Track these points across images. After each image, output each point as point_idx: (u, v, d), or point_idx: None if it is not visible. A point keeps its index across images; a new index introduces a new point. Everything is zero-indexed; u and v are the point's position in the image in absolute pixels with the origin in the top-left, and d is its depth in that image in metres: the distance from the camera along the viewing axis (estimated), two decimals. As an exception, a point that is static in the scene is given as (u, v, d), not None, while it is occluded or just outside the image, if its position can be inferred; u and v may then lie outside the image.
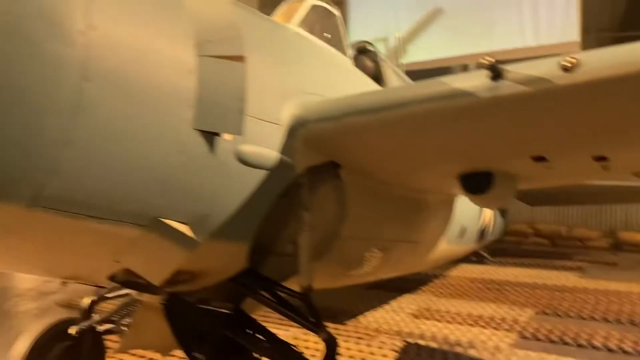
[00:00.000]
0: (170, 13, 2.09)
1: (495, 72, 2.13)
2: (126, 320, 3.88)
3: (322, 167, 2.82)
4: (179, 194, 2.11)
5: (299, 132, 2.58)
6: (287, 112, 2.56)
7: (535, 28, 12.42)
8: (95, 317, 3.77)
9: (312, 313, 2.75)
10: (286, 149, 2.55)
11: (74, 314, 3.74)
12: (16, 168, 1.68)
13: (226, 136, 2.23)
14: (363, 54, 4.76)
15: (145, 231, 2.08)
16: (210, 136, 2.14)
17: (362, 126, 2.49)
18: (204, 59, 2.11)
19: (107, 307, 3.98)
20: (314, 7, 3.73)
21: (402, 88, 2.70)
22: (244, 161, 2.33)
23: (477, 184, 3.03)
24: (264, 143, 2.45)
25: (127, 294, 3.97)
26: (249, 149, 2.35)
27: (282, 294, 2.83)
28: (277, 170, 2.49)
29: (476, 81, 2.19)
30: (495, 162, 2.94)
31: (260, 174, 2.43)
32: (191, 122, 2.06)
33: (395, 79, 4.99)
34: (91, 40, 1.74)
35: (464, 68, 12.52)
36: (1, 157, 1.64)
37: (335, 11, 4.00)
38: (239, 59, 2.22)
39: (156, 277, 2.25)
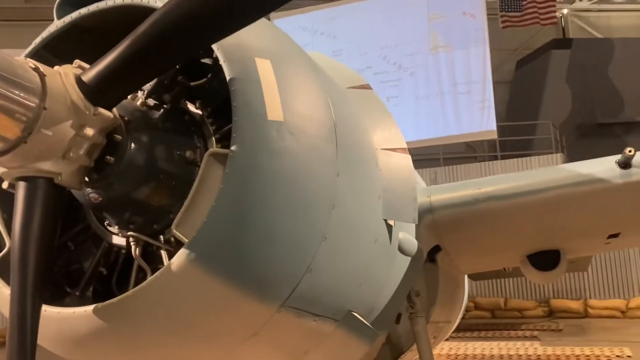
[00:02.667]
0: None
1: (627, 161, 2.44)
2: None
3: (431, 252, 2.92)
4: (368, 286, 2.11)
5: (425, 217, 2.69)
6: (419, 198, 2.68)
7: (457, 120, 13.68)
8: None
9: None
10: (417, 235, 2.64)
11: None
12: (279, 265, 1.62)
13: (392, 223, 2.29)
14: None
15: (337, 325, 2.03)
16: (389, 226, 2.19)
17: (491, 211, 2.66)
18: (382, 152, 2.21)
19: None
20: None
21: (529, 176, 2.94)
22: (401, 249, 2.38)
23: (545, 262, 3.28)
24: (408, 230, 2.52)
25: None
26: (403, 236, 2.41)
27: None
28: (417, 257, 2.55)
29: (606, 168, 2.48)
30: (570, 241, 3.22)
31: (407, 261, 2.48)
32: (381, 212, 2.11)
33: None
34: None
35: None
36: (267, 255, 1.59)
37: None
38: (404, 150, 2.34)
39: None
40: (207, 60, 1.84)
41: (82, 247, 2.02)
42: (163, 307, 1.61)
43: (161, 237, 1.80)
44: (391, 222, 2.28)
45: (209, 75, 1.79)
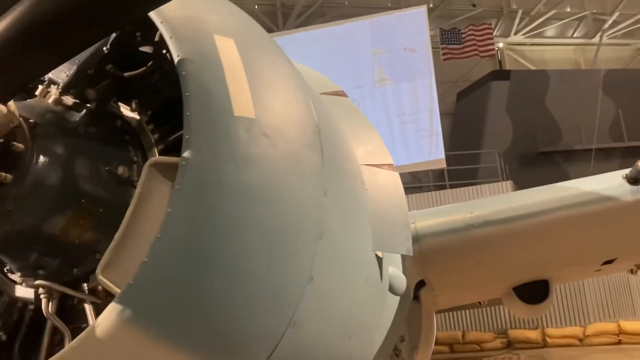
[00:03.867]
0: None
1: (637, 177, 2.15)
2: None
3: (415, 288, 2.53)
4: (358, 337, 1.68)
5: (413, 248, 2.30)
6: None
7: (406, 150, 13.60)
8: None
9: None
10: (403, 269, 2.23)
11: None
12: (253, 320, 1.16)
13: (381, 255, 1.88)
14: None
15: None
16: (379, 259, 1.78)
17: (484, 237, 2.30)
18: (367, 169, 1.81)
19: None
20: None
21: (526, 196, 2.59)
22: (391, 287, 1.96)
23: (534, 293, 2.95)
24: (395, 263, 2.11)
25: None
26: (392, 271, 1.99)
27: None
28: (405, 297, 2.14)
29: (614, 185, 2.18)
30: (562, 269, 2.91)
31: (396, 302, 2.06)
32: (371, 242, 1.70)
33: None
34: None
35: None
36: (236, 306, 1.13)
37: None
38: (391, 167, 1.95)
39: None
40: (146, 49, 1.39)
41: None
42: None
43: (84, 285, 1.31)
44: (380, 254, 1.86)
45: (149, 64, 1.33)
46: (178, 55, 1.13)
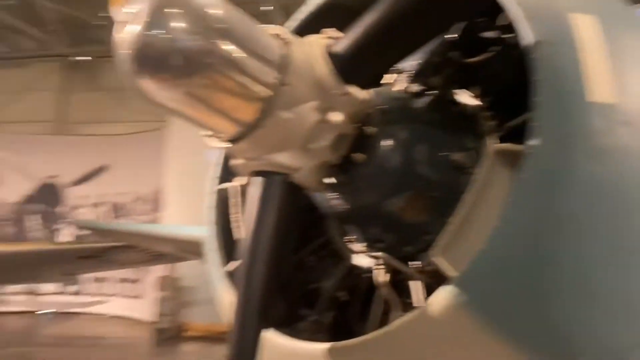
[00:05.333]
0: None
1: None
2: None
3: None
4: None
5: None
6: None
7: None
8: None
9: None
10: None
11: None
12: (597, 331, 1.04)
13: None
14: None
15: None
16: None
17: None
18: None
19: None
20: None
21: None
22: None
23: None
24: None
25: None
26: None
27: None
28: None
29: None
30: None
31: None
32: None
33: None
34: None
35: None
36: (578, 314, 1.02)
37: None
38: None
39: None
40: (489, 34, 1.37)
41: (322, 265, 1.72)
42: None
43: (411, 263, 1.39)
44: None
45: (492, 49, 1.30)
46: (529, 38, 1.07)
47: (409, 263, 1.41)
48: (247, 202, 1.20)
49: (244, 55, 1.05)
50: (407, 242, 1.39)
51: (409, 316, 1.13)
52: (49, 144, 17.77)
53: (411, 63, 1.37)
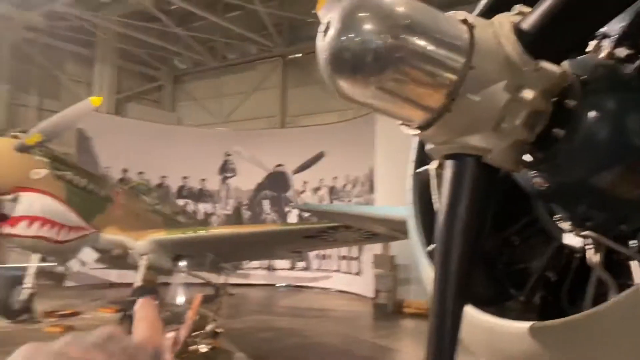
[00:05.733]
0: None
1: None
2: None
3: None
4: None
5: None
6: None
7: None
8: None
9: None
10: None
11: None
12: None
13: None
14: None
15: None
16: None
17: None
18: None
19: None
20: None
21: None
22: None
23: None
24: None
25: None
26: None
27: None
28: None
29: None
30: None
31: None
32: None
33: None
34: None
35: None
36: None
37: None
38: None
39: None
40: None
41: (529, 244, 1.68)
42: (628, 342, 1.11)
43: (630, 242, 1.28)
44: None
45: None
46: None
47: (629, 242, 1.31)
48: (442, 184, 1.25)
49: (430, 45, 1.10)
50: (622, 219, 1.29)
51: (621, 295, 1.07)
52: (274, 137, 19.86)
53: (616, 26, 1.26)
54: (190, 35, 21.13)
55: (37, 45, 19.73)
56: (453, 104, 1.12)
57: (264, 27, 20.14)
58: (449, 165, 1.23)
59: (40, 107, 19.43)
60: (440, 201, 1.25)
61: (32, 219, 9.09)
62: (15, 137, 9.23)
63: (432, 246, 1.51)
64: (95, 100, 9.65)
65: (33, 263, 10.42)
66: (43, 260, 10.46)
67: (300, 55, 20.78)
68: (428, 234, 1.64)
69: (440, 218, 1.22)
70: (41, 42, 19.75)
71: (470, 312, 1.32)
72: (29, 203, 9.01)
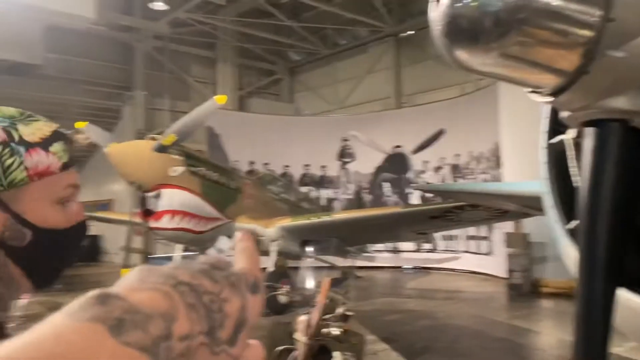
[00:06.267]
0: None
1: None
2: None
3: None
4: None
5: None
6: None
7: None
8: None
9: None
10: None
11: None
12: None
13: None
14: None
15: None
16: None
17: None
18: None
19: None
20: None
21: None
22: None
23: None
24: None
25: None
26: None
27: None
28: None
29: None
30: None
31: None
32: None
33: None
34: None
35: None
36: None
37: None
38: None
39: None
40: None
41: None
42: None
43: None
44: None
45: None
46: None
47: None
48: (582, 155, 1.12)
49: (558, 0, 0.98)
50: None
51: None
52: (391, 118, 19.68)
53: None
54: (301, 26, 21.55)
55: (165, 52, 21.38)
56: (591, 64, 0.99)
57: (374, 8, 19.93)
58: (589, 133, 1.10)
59: (173, 109, 21.05)
60: (580, 174, 1.12)
61: (173, 213, 9.90)
62: (153, 139, 10.09)
63: (573, 223, 1.37)
64: (220, 99, 10.20)
65: (177, 253, 11.37)
66: (185, 249, 11.37)
67: (413, 32, 20.29)
68: (567, 209, 1.50)
69: (583, 193, 1.10)
70: (169, 49, 21.38)
71: (624, 295, 1.18)
72: (170, 198, 9.81)
